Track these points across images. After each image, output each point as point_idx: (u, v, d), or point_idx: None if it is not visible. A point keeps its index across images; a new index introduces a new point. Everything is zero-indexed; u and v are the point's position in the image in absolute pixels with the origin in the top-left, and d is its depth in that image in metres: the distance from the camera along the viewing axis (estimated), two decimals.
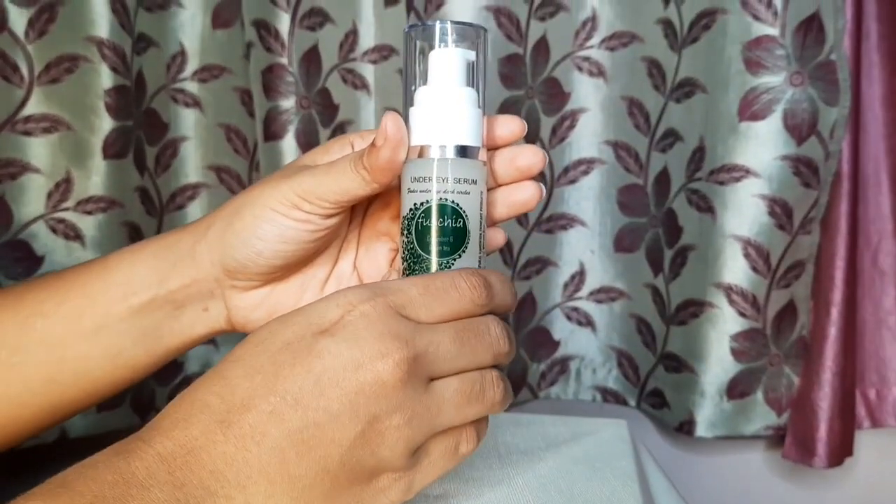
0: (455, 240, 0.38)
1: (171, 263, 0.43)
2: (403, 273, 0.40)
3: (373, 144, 0.38)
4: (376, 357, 0.33)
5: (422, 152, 0.39)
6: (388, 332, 0.34)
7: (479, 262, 0.39)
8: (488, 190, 0.41)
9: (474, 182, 0.39)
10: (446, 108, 0.38)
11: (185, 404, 0.34)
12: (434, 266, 0.39)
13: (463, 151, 0.38)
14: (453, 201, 0.38)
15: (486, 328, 0.37)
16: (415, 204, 0.39)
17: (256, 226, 0.41)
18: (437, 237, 0.38)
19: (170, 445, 0.32)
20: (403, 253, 0.40)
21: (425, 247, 0.39)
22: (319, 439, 0.33)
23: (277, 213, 0.40)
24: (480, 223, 0.39)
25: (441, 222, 0.38)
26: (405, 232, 0.39)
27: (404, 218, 0.39)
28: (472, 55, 0.39)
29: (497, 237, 0.44)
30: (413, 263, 0.39)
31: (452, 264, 0.39)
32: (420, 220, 0.39)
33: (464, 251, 0.39)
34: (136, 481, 0.31)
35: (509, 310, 0.39)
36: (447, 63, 0.39)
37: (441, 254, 0.38)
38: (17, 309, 0.43)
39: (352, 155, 0.40)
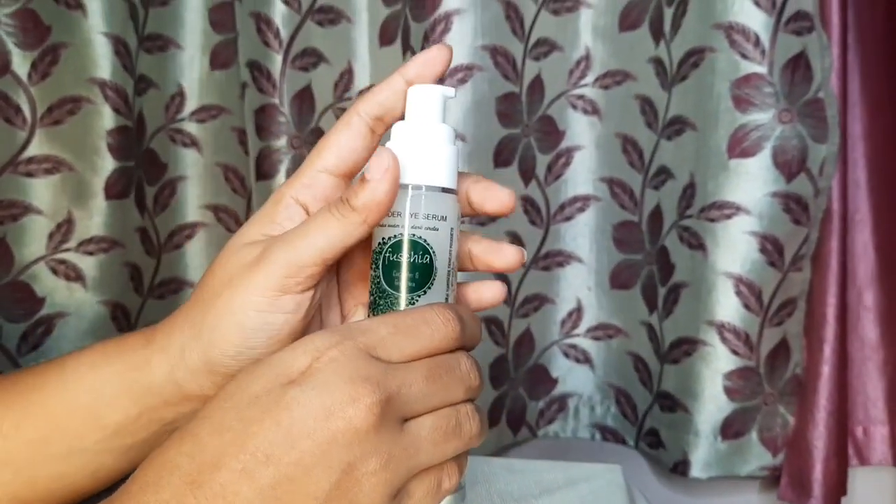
0: (421, 276, 0.38)
1: (146, 389, 0.40)
2: (370, 308, 0.39)
3: (364, 179, 0.37)
4: (347, 403, 0.32)
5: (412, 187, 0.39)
6: (357, 375, 0.33)
7: (447, 298, 0.39)
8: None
9: (444, 218, 0.38)
10: (422, 144, 0.38)
11: (155, 466, 0.33)
12: (401, 302, 0.38)
13: (436, 188, 0.38)
14: (421, 237, 0.38)
15: (456, 363, 0.36)
16: (383, 238, 0.39)
17: (245, 337, 0.38)
18: (404, 272, 0.38)
19: None
20: (371, 287, 0.39)
21: (391, 282, 0.38)
22: (294, 494, 0.32)
23: (264, 313, 0.38)
24: (449, 260, 0.39)
25: (408, 258, 0.38)
26: (373, 266, 0.39)
27: (373, 252, 0.39)
28: (450, 92, 0.39)
29: (494, 291, 0.42)
30: (379, 298, 0.39)
31: (418, 300, 0.38)
32: (387, 255, 0.38)
33: (429, 287, 0.38)
34: None
35: (477, 343, 0.39)
36: (424, 99, 0.39)
37: (408, 289, 0.38)
38: None
39: (330, 204, 0.38)
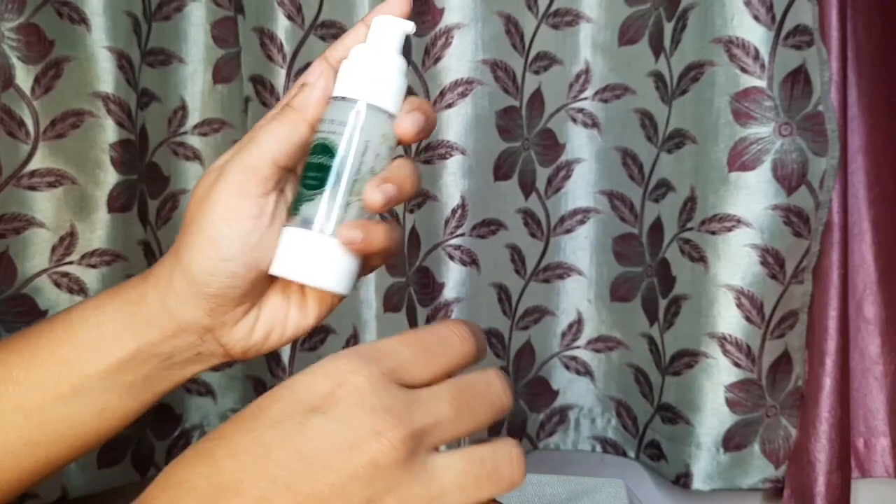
0: (321, 175, 0.39)
1: (144, 321, 0.41)
2: (292, 206, 0.41)
3: (303, 85, 0.40)
4: (370, 436, 0.31)
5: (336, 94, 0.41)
6: (381, 406, 0.32)
7: (347, 204, 0.39)
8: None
9: (359, 129, 0.40)
10: (364, 62, 0.40)
11: (170, 487, 0.32)
12: (302, 199, 0.40)
13: (363, 102, 0.40)
14: (328, 139, 0.40)
15: (486, 385, 0.34)
16: (318, 133, 0.41)
17: (217, 248, 0.39)
18: (309, 171, 0.40)
19: None
20: (303, 176, 0.41)
21: (303, 180, 0.40)
22: None
23: (230, 221, 0.39)
24: (357, 169, 0.39)
25: (313, 157, 0.40)
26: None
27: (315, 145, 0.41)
28: (409, 27, 0.41)
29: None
30: (297, 196, 0.41)
31: (316, 198, 0.39)
32: (308, 157, 0.41)
33: (327, 188, 0.39)
34: None
35: (484, 357, 0.38)
36: (382, 28, 0.41)
37: (307, 186, 0.40)
38: None
39: (272, 111, 0.41)
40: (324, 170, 0.39)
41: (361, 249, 0.40)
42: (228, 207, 0.39)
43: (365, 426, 0.31)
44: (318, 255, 0.39)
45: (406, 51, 0.44)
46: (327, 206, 0.39)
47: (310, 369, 0.34)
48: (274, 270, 0.40)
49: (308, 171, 0.40)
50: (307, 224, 0.39)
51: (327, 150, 0.39)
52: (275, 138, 0.40)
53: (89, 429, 0.43)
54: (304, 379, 0.33)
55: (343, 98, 0.40)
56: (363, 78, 0.40)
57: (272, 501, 0.31)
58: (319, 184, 0.39)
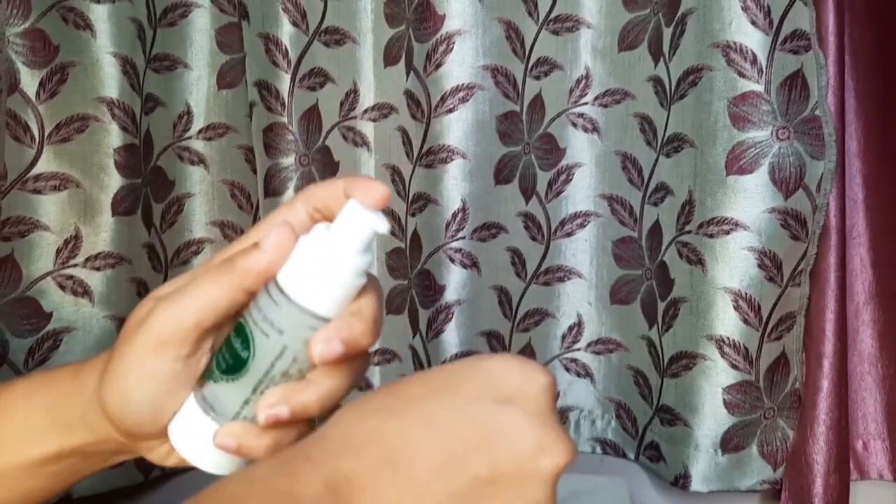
0: (233, 365, 0.37)
1: (66, 425, 0.40)
2: (205, 372, 0.38)
3: (256, 246, 0.37)
4: (556, 442, 0.32)
5: (276, 282, 0.37)
6: (557, 421, 0.33)
7: (247, 401, 0.38)
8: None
9: (281, 332, 0.37)
10: (321, 265, 0.36)
11: (357, 431, 0.33)
12: (212, 376, 0.38)
13: (293, 302, 0.36)
14: (251, 333, 0.37)
15: None
16: (246, 315, 0.38)
17: (127, 400, 0.37)
18: (224, 350, 0.38)
19: (338, 474, 0.32)
20: (220, 349, 0.39)
21: (218, 355, 0.38)
22: None
23: (143, 381, 0.37)
24: (267, 371, 0.37)
25: (233, 341, 0.37)
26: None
27: (242, 318, 0.38)
28: (383, 228, 0.36)
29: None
30: (212, 367, 0.38)
31: (219, 382, 0.38)
32: (231, 333, 0.38)
33: (235, 379, 0.37)
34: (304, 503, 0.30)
35: None
36: (352, 221, 0.36)
37: (219, 367, 0.38)
38: None
39: (210, 265, 0.38)
40: (237, 360, 0.37)
41: (236, 454, 0.38)
42: (141, 368, 0.37)
43: (554, 433, 0.33)
44: (206, 440, 0.38)
45: (370, 245, 0.37)
46: (228, 396, 0.38)
47: (497, 358, 0.35)
48: (170, 432, 0.39)
49: (226, 348, 0.38)
50: (205, 404, 0.38)
51: (246, 340, 0.37)
52: (207, 300, 0.36)
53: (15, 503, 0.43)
54: (497, 367, 0.34)
55: (279, 289, 0.36)
56: (305, 276, 0.36)
57: (451, 474, 0.32)
58: (228, 371, 0.37)
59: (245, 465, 0.39)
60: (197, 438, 0.38)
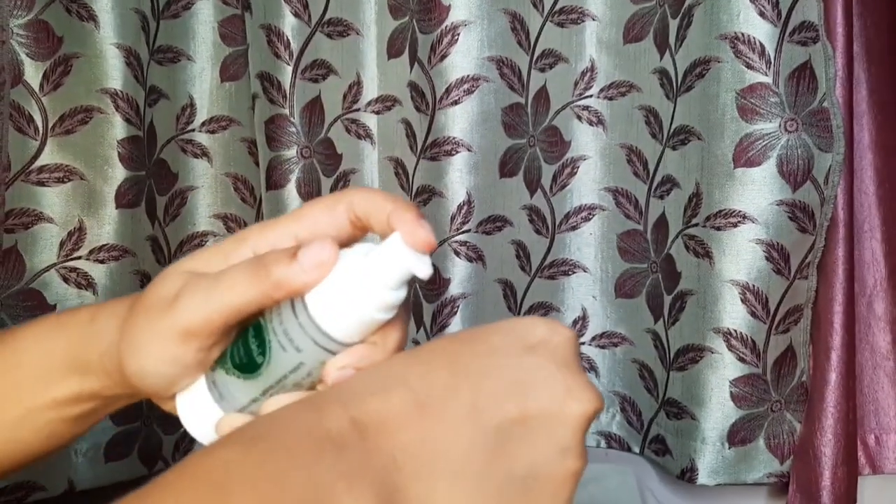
0: (247, 366, 0.37)
1: (84, 368, 0.40)
2: (219, 359, 0.38)
3: (294, 257, 0.35)
4: (584, 389, 0.33)
5: (303, 299, 0.36)
6: (583, 370, 0.35)
7: (252, 402, 0.38)
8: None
9: (299, 350, 0.36)
10: (353, 295, 0.35)
11: (382, 376, 0.34)
12: (220, 367, 0.38)
13: (327, 335, 0.36)
14: (269, 342, 0.36)
15: None
16: (268, 318, 0.37)
17: (143, 375, 0.37)
18: (240, 348, 0.37)
19: (364, 413, 0.32)
20: (233, 343, 0.38)
21: (233, 347, 0.38)
22: (511, 453, 0.32)
23: (165, 363, 0.37)
24: (278, 381, 0.37)
25: (250, 343, 0.37)
26: (248, 328, 0.38)
27: (263, 317, 0.38)
28: (424, 272, 0.35)
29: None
30: (224, 356, 0.38)
31: (230, 375, 0.38)
32: (252, 328, 0.37)
33: (247, 379, 0.37)
34: (330, 440, 0.30)
35: None
36: (394, 258, 0.35)
37: (233, 358, 0.37)
38: None
39: (246, 264, 0.36)
40: (251, 361, 0.37)
41: None
42: (164, 351, 0.37)
43: (580, 379, 0.33)
44: (211, 423, 0.39)
45: (405, 283, 0.36)
46: (238, 390, 0.38)
47: (521, 317, 0.36)
48: (178, 404, 0.39)
49: (243, 344, 0.37)
50: (215, 390, 0.38)
51: (263, 345, 0.36)
52: (239, 300, 0.35)
53: (37, 448, 0.43)
54: (523, 321, 0.35)
55: (304, 306, 0.36)
56: (333, 301, 0.35)
57: (481, 415, 0.32)
58: (241, 368, 0.37)
59: None
60: (202, 419, 0.39)
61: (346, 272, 0.35)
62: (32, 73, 0.68)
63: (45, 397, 0.41)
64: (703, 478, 0.74)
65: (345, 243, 0.38)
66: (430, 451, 0.32)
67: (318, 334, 0.36)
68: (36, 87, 0.68)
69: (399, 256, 0.35)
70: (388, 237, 0.36)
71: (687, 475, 0.75)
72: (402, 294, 0.36)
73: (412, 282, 0.36)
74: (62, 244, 0.70)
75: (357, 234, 0.38)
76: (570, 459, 0.33)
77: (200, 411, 0.39)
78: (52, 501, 0.72)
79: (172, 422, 0.81)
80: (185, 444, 0.82)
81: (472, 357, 0.34)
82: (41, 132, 0.69)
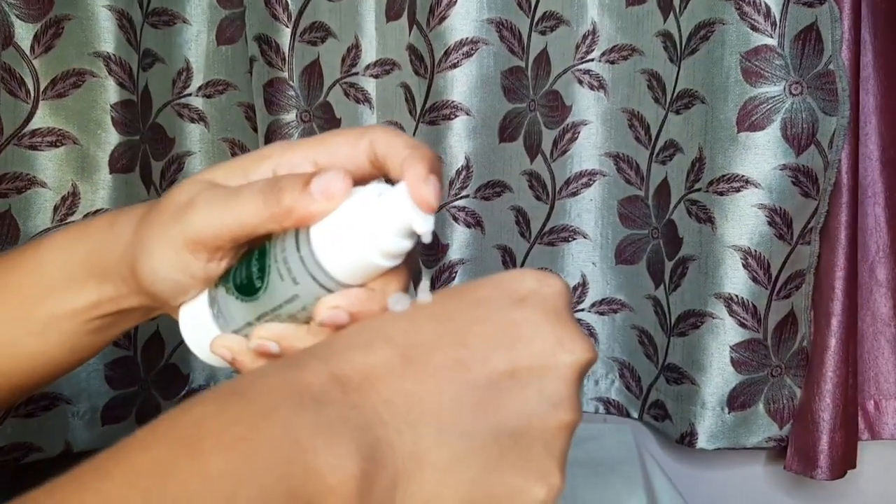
0: (246, 289, 0.37)
1: (104, 274, 0.40)
2: (223, 277, 0.38)
3: (307, 184, 0.35)
4: (575, 339, 0.32)
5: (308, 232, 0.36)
6: (575, 321, 0.34)
7: (247, 326, 0.38)
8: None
9: (295, 282, 0.36)
10: (357, 238, 0.34)
11: (366, 332, 0.33)
12: (220, 288, 0.38)
13: (325, 272, 0.35)
14: (270, 269, 0.36)
15: None
16: (273, 244, 0.37)
17: (154, 280, 0.37)
18: (241, 271, 0.37)
19: (346, 368, 0.31)
20: (237, 263, 0.38)
21: (236, 268, 0.37)
22: (501, 406, 0.32)
23: (175, 270, 0.37)
24: (274, 309, 0.37)
25: (250, 267, 0.37)
26: (253, 250, 0.37)
27: (269, 241, 0.37)
28: (424, 229, 0.34)
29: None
30: (225, 276, 0.38)
31: (230, 295, 0.37)
32: (256, 251, 0.37)
33: (246, 300, 0.37)
34: (310, 395, 0.30)
35: None
36: (401, 213, 0.34)
37: (234, 280, 0.37)
38: None
39: (262, 184, 0.36)
40: (250, 285, 0.37)
41: (230, 364, 0.39)
42: (175, 257, 0.36)
43: (571, 329, 0.33)
44: (207, 339, 0.39)
45: (412, 233, 0.35)
46: (235, 311, 0.38)
47: (511, 270, 0.35)
48: (180, 316, 0.40)
49: (245, 266, 0.37)
50: (216, 307, 0.38)
51: (262, 270, 0.36)
52: (248, 220, 0.35)
53: (60, 361, 0.43)
54: (512, 274, 0.34)
55: (307, 238, 0.35)
56: (337, 239, 0.34)
57: (469, 367, 0.32)
58: (240, 290, 0.37)
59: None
60: (200, 333, 0.39)
61: (354, 210, 0.35)
62: (23, 34, 0.67)
63: (67, 306, 0.40)
64: (702, 442, 0.74)
65: (361, 180, 0.37)
66: (415, 405, 0.31)
67: (316, 269, 0.35)
68: (27, 50, 0.67)
69: (402, 207, 0.34)
70: (399, 183, 0.35)
71: (686, 439, 0.75)
72: (406, 244, 0.35)
73: (418, 236, 0.35)
74: (56, 209, 0.70)
75: (374, 172, 0.37)
76: (563, 411, 0.32)
77: (199, 326, 0.39)
78: (49, 462, 0.72)
79: (170, 387, 0.82)
80: None
81: (459, 310, 0.33)
82: (33, 96, 0.68)
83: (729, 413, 0.74)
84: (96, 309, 0.41)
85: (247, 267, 0.37)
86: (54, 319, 0.41)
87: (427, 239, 0.34)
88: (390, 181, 0.36)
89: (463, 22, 0.73)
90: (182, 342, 0.81)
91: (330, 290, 0.35)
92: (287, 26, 0.73)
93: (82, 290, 0.40)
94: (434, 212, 0.34)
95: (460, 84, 0.74)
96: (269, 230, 0.36)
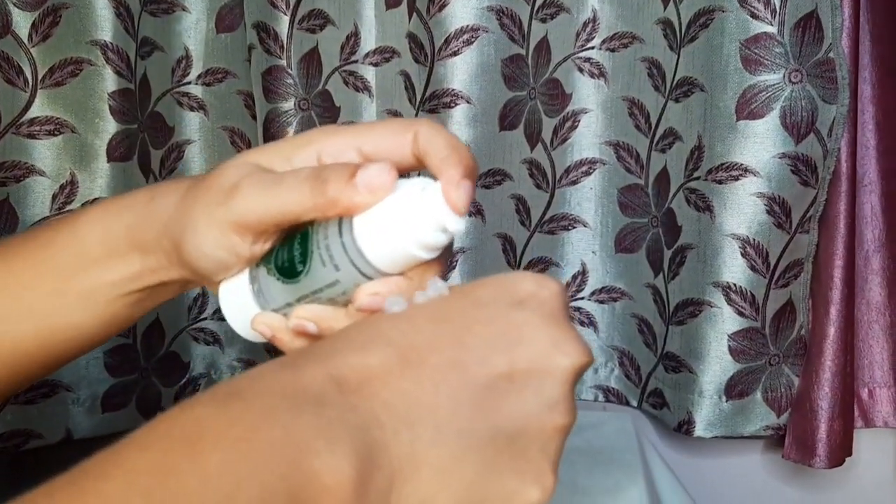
0: (287, 271, 0.38)
1: (145, 246, 0.41)
2: (265, 257, 0.39)
3: (353, 177, 0.35)
4: (571, 341, 0.33)
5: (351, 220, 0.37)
6: (572, 324, 0.34)
7: (287, 306, 0.39)
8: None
9: (337, 268, 0.37)
10: (403, 224, 0.36)
11: (363, 333, 0.33)
12: (261, 268, 0.39)
13: (366, 260, 0.36)
14: (312, 254, 0.37)
15: None
16: (316, 229, 0.37)
17: (197, 256, 0.38)
18: (283, 253, 0.38)
19: (344, 369, 0.31)
20: (279, 245, 0.39)
21: (279, 250, 0.38)
22: (498, 408, 0.32)
23: (219, 250, 0.38)
24: (313, 292, 0.38)
25: (293, 251, 0.38)
26: (296, 233, 0.38)
27: (311, 226, 0.38)
28: (455, 227, 0.36)
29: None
30: (267, 258, 0.39)
31: (271, 276, 0.38)
32: (298, 235, 0.38)
33: (286, 281, 0.38)
34: (309, 396, 0.30)
35: None
36: (439, 209, 0.35)
37: (276, 261, 0.38)
38: None
39: (308, 173, 0.36)
40: (292, 268, 0.38)
41: (270, 341, 0.40)
42: (220, 237, 0.37)
43: (567, 332, 0.33)
44: (247, 316, 0.40)
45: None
46: (276, 291, 0.39)
47: (509, 272, 0.35)
48: (220, 292, 0.41)
49: (287, 248, 0.38)
50: (256, 286, 0.39)
51: (305, 254, 0.37)
52: (292, 206, 0.36)
53: (97, 332, 0.43)
54: (510, 276, 0.35)
55: (350, 227, 0.36)
56: (380, 230, 0.36)
57: (467, 368, 0.32)
58: (281, 272, 0.38)
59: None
60: (240, 311, 0.40)
61: (397, 202, 0.36)
62: (21, 23, 0.67)
63: (106, 277, 0.41)
64: (699, 430, 0.75)
65: (403, 171, 0.38)
66: (413, 406, 0.31)
67: (357, 257, 0.36)
68: (25, 38, 0.67)
69: (438, 204, 0.35)
70: (439, 182, 0.36)
71: (684, 428, 0.75)
72: (444, 238, 0.36)
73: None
74: (54, 197, 0.70)
75: (416, 165, 0.38)
76: (558, 414, 0.33)
77: (239, 303, 0.40)
78: (50, 449, 0.72)
79: (171, 374, 0.82)
80: (185, 396, 0.82)
81: (458, 311, 0.33)
82: (31, 84, 0.68)
83: (727, 401, 0.74)
84: (136, 281, 0.41)
85: (289, 250, 0.38)
86: (92, 292, 0.41)
87: (458, 235, 0.36)
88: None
89: (463, 9, 0.73)
90: (181, 330, 0.81)
91: (369, 277, 0.37)
92: (285, 14, 0.73)
93: (123, 262, 0.41)
94: (463, 215, 0.35)
95: (460, 72, 0.74)
96: (313, 217, 0.37)
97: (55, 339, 0.43)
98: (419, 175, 0.38)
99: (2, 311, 0.42)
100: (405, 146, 0.38)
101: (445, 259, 0.39)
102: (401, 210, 0.36)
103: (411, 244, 0.36)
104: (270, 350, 0.80)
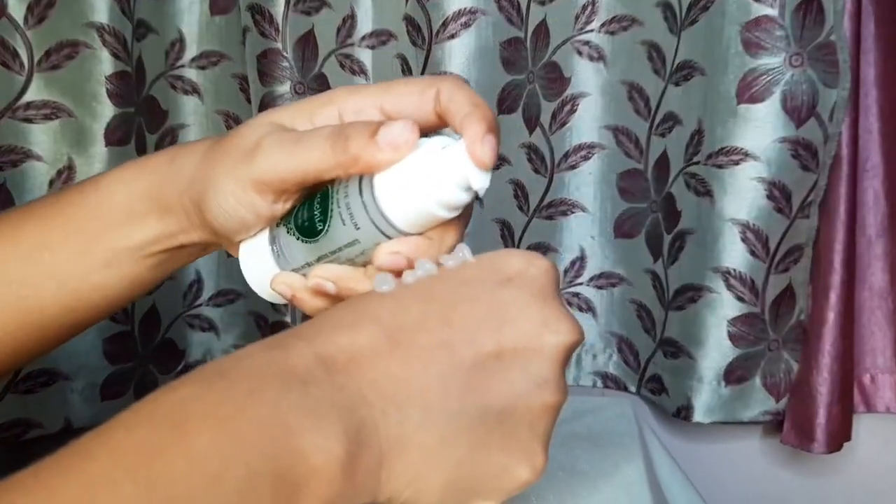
0: (308, 231, 0.38)
1: (166, 208, 0.41)
2: (282, 217, 0.39)
3: (375, 134, 0.35)
4: (561, 319, 0.33)
5: (372, 179, 0.37)
6: (562, 302, 0.34)
7: (305, 266, 0.39)
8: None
9: (357, 227, 0.37)
10: (418, 189, 0.35)
11: (351, 312, 0.33)
12: (282, 227, 0.39)
13: (381, 211, 0.36)
14: (332, 213, 0.37)
15: None
16: (336, 188, 0.37)
17: (218, 214, 0.39)
18: (304, 213, 0.38)
19: (332, 349, 0.31)
20: (301, 204, 0.39)
21: (299, 209, 0.38)
22: (487, 387, 0.32)
23: (240, 208, 0.38)
24: (333, 251, 0.38)
25: (315, 210, 0.38)
26: (315, 193, 0.38)
27: (332, 185, 0.38)
28: (479, 185, 0.35)
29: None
30: (288, 217, 0.39)
31: (291, 236, 0.39)
32: (319, 195, 0.38)
33: (307, 242, 0.38)
34: (296, 376, 0.30)
35: None
36: (462, 166, 0.35)
37: (296, 221, 0.39)
38: (17, 241, 0.42)
39: (329, 131, 0.36)
40: (312, 227, 0.38)
41: (289, 301, 0.40)
42: (241, 196, 0.38)
43: (558, 310, 0.33)
44: (266, 276, 0.40)
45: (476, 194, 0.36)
46: (296, 251, 0.39)
47: (498, 251, 0.35)
48: (240, 252, 0.41)
49: (307, 208, 0.38)
50: (276, 245, 0.40)
51: (324, 213, 0.37)
52: (314, 165, 0.36)
53: (120, 295, 0.44)
54: (499, 254, 0.35)
55: (371, 185, 0.36)
56: (400, 187, 0.35)
57: (455, 347, 0.32)
58: (301, 232, 0.38)
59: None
60: (259, 270, 0.41)
61: (418, 161, 0.36)
62: (16, 5, 0.66)
63: (129, 240, 0.41)
64: (698, 416, 0.75)
65: (426, 129, 0.37)
66: (401, 386, 0.31)
67: (377, 216, 0.36)
68: (20, 21, 0.67)
69: (461, 162, 0.35)
70: (461, 139, 0.35)
71: (682, 413, 0.75)
72: (466, 197, 0.36)
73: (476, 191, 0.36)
74: (52, 183, 0.69)
75: (439, 123, 0.38)
76: (548, 392, 0.32)
77: (259, 263, 0.40)
78: (50, 438, 0.72)
79: (167, 362, 0.82)
80: None
81: (446, 290, 0.33)
82: (27, 68, 0.68)
83: (725, 387, 0.74)
84: (157, 243, 0.42)
85: (309, 209, 0.38)
86: (115, 254, 0.42)
87: (482, 193, 0.36)
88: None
89: None
90: (177, 317, 0.81)
91: (389, 237, 0.37)
92: None
93: (144, 224, 0.41)
94: (489, 170, 0.35)
95: (458, 55, 0.73)
96: (335, 176, 0.37)
97: (80, 303, 0.43)
98: (439, 134, 0.37)
99: (25, 274, 0.42)
100: (427, 104, 0.38)
101: (465, 219, 0.39)
102: (423, 168, 0.35)
103: (433, 203, 0.35)
104: (266, 336, 0.80)
